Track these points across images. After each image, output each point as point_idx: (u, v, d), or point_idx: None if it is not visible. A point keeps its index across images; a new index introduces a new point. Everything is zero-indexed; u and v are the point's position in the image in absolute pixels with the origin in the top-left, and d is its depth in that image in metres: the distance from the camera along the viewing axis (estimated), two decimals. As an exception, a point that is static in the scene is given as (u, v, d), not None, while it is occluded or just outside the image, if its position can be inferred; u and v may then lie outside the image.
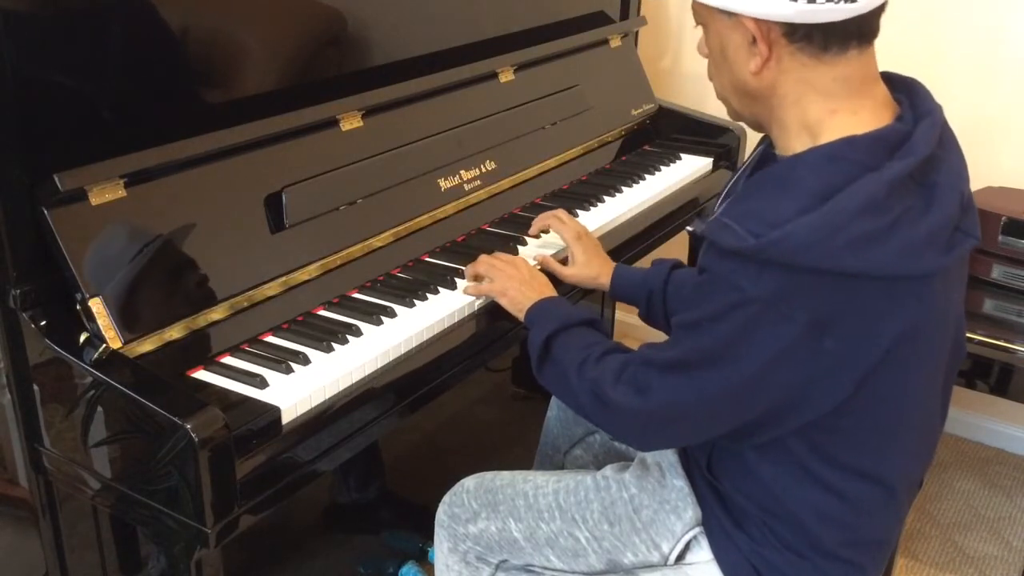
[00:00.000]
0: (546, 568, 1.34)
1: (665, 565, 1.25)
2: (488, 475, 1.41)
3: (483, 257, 1.49)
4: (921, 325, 1.05)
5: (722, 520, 1.21)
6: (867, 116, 1.06)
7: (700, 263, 1.09)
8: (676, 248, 1.99)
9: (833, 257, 0.97)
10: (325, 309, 1.42)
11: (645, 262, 2.12)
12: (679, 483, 1.25)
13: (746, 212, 1.03)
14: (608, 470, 1.32)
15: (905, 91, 1.12)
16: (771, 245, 0.98)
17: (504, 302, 1.41)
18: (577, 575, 1.33)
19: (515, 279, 1.41)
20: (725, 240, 1.02)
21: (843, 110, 1.06)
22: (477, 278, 1.48)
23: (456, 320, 1.44)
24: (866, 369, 1.04)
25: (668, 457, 1.28)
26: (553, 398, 1.72)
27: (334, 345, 1.31)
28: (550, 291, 1.40)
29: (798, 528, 1.16)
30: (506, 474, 1.40)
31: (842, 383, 1.04)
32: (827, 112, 1.06)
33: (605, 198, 1.87)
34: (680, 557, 1.24)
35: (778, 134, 1.13)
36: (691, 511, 1.23)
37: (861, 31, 1.03)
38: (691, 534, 1.23)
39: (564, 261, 1.59)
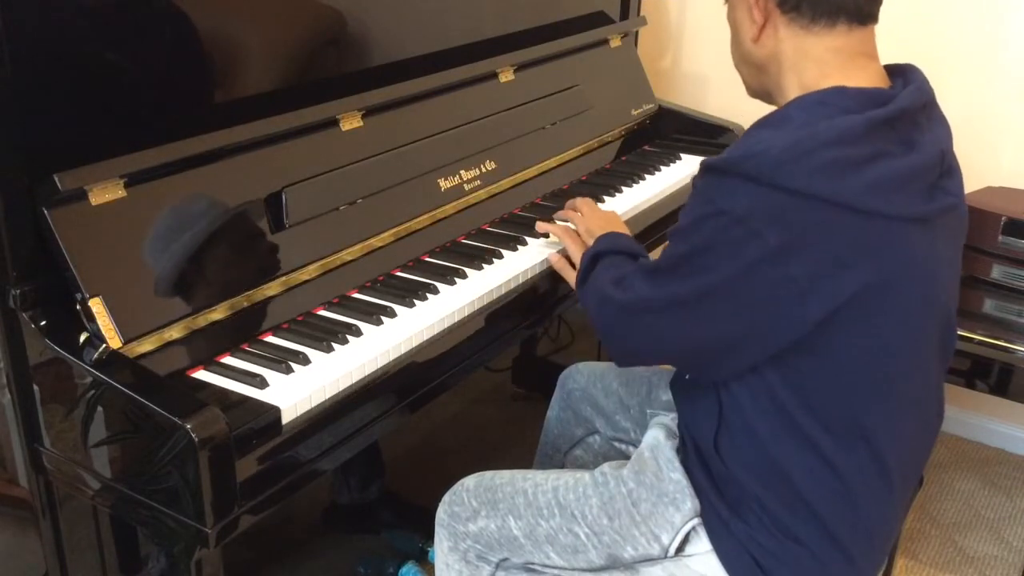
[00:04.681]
0: (546, 566, 1.34)
1: (665, 558, 1.25)
2: (488, 474, 1.41)
3: (582, 204, 1.64)
4: (897, 277, 1.08)
5: (720, 509, 1.22)
6: (859, 82, 1.13)
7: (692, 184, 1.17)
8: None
9: (804, 178, 1.02)
10: (325, 309, 1.42)
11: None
12: (676, 476, 1.26)
13: (737, 144, 1.10)
14: (606, 467, 1.33)
15: (901, 74, 1.18)
16: (746, 159, 1.04)
17: (581, 228, 1.56)
18: (577, 572, 1.33)
19: (603, 218, 1.59)
20: (710, 160, 1.10)
21: (835, 76, 1.13)
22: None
23: (456, 320, 1.44)
24: (834, 304, 1.06)
25: (665, 453, 1.29)
26: (553, 398, 1.72)
27: (334, 345, 1.31)
28: (623, 229, 1.54)
29: (794, 503, 1.17)
30: (505, 473, 1.40)
31: (808, 312, 1.06)
32: (821, 76, 1.14)
33: (605, 198, 1.87)
34: (680, 549, 1.24)
35: (781, 101, 1.19)
36: (689, 503, 1.23)
37: (847, 8, 1.12)
38: (690, 525, 1.23)
39: None
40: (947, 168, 1.13)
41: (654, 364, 1.30)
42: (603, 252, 1.37)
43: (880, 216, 1.05)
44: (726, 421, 1.21)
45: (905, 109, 1.09)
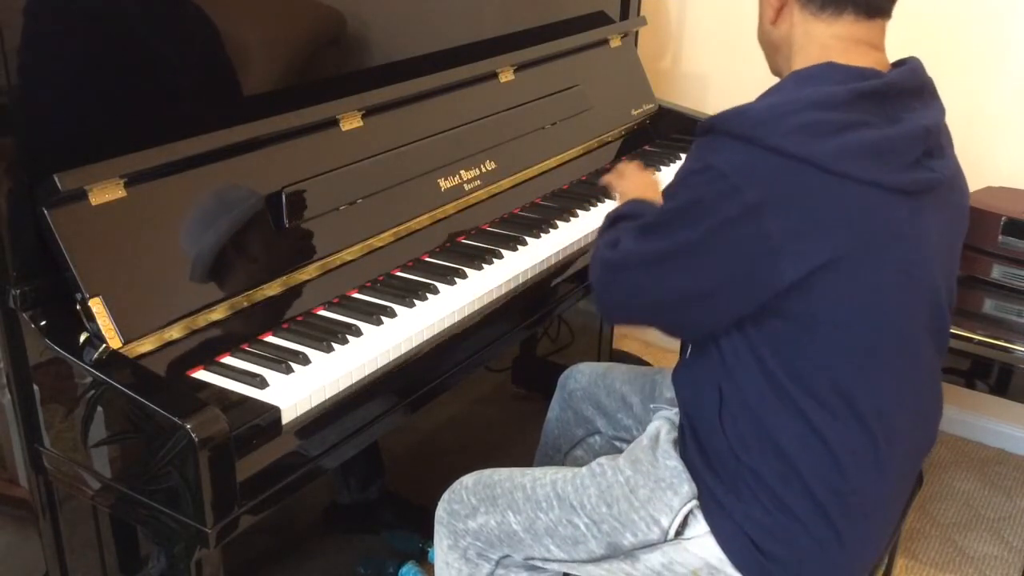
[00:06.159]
0: (547, 559, 1.34)
1: (664, 542, 1.26)
2: (486, 472, 1.42)
3: (626, 167, 1.73)
4: (873, 245, 1.11)
5: (716, 491, 1.23)
6: (857, 64, 1.18)
7: None
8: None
9: (780, 136, 1.08)
10: (325, 309, 1.42)
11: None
12: (672, 463, 1.27)
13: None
14: (602, 459, 1.34)
15: (901, 63, 1.23)
16: (730, 118, 1.12)
17: (618, 190, 1.66)
18: (577, 563, 1.33)
19: (641, 183, 1.64)
20: (703, 120, 1.17)
21: (835, 58, 1.19)
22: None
23: (456, 320, 1.44)
24: (809, 265, 1.09)
25: (663, 444, 1.30)
26: (553, 399, 1.72)
27: (334, 345, 1.31)
28: (658, 198, 1.51)
29: (787, 474, 1.18)
30: (504, 470, 1.41)
31: (782, 268, 1.10)
32: (821, 57, 1.19)
33: (605, 199, 1.87)
34: (679, 533, 1.25)
35: None
36: (687, 486, 1.25)
37: (856, 1, 1.18)
38: (688, 507, 1.24)
39: None
40: (934, 148, 1.17)
41: (638, 319, 1.34)
42: (622, 216, 1.40)
43: (853, 180, 1.09)
44: (725, 396, 1.23)
45: (893, 85, 1.15)
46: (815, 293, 1.11)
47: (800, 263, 1.10)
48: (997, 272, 1.95)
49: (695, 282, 1.16)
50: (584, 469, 1.34)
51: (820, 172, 1.08)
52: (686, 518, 1.24)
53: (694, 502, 1.24)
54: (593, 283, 1.31)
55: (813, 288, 1.11)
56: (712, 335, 1.22)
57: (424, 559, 1.85)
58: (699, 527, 1.24)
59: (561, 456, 1.70)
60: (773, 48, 1.29)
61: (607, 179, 1.75)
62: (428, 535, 1.54)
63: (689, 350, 1.33)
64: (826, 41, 1.19)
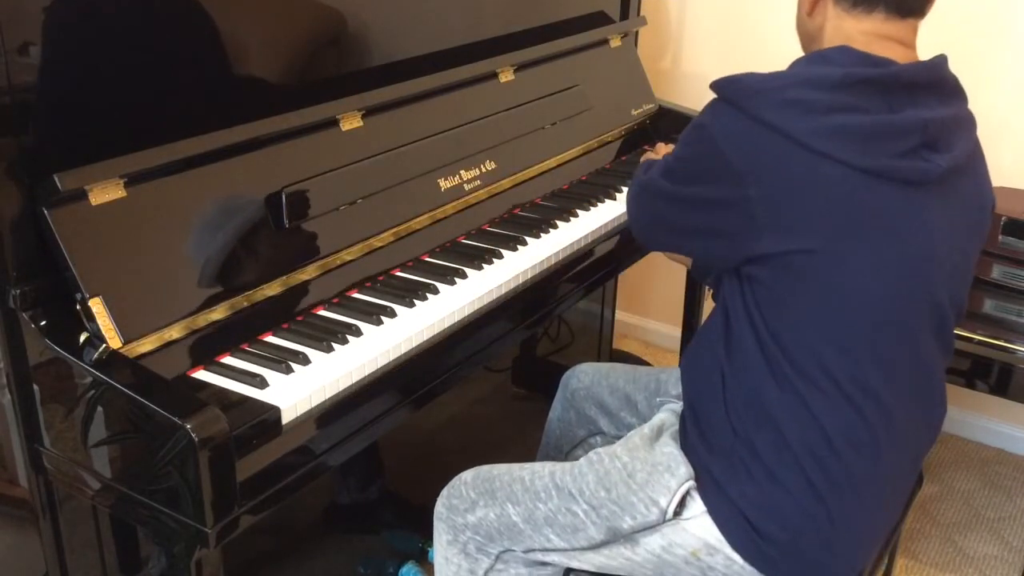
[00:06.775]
0: (547, 549, 1.35)
1: (664, 523, 1.26)
2: (485, 467, 1.43)
3: (661, 146, 1.92)
4: (860, 231, 1.13)
5: (711, 468, 1.25)
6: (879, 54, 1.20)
7: None
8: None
9: (769, 109, 1.13)
10: (325, 309, 1.42)
11: (645, 264, 2.12)
12: (668, 449, 1.29)
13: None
14: (599, 449, 1.35)
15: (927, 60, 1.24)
16: (730, 84, 1.17)
17: (652, 156, 1.75)
18: (578, 551, 1.33)
19: None
20: (712, 82, 1.21)
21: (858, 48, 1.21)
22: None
23: (456, 320, 1.44)
24: (786, 239, 1.13)
25: (663, 437, 1.32)
26: (555, 399, 1.72)
27: (334, 345, 1.31)
28: None
29: (780, 447, 1.20)
30: (502, 465, 1.42)
31: (761, 237, 1.15)
32: None
33: (605, 199, 1.87)
34: (677, 513, 1.26)
35: None
36: (683, 467, 1.26)
37: (887, 0, 1.20)
38: (686, 487, 1.25)
39: None
40: (935, 141, 1.17)
41: (662, 242, 1.42)
42: (655, 163, 1.45)
43: (836, 162, 1.11)
44: (726, 373, 1.25)
45: (900, 76, 1.16)
46: (788, 266, 1.15)
47: (776, 235, 1.14)
48: (997, 272, 1.95)
49: (696, 221, 1.25)
50: (582, 460, 1.35)
51: (802, 149, 1.11)
52: (684, 499, 1.25)
53: (691, 482, 1.26)
54: (627, 201, 1.42)
55: (786, 262, 1.14)
56: (724, 307, 1.27)
57: (424, 559, 1.85)
58: (697, 507, 1.26)
59: (563, 456, 1.70)
60: (808, 38, 1.32)
61: (646, 157, 1.85)
62: (428, 535, 1.54)
63: (695, 334, 1.36)
64: (853, 35, 1.22)
